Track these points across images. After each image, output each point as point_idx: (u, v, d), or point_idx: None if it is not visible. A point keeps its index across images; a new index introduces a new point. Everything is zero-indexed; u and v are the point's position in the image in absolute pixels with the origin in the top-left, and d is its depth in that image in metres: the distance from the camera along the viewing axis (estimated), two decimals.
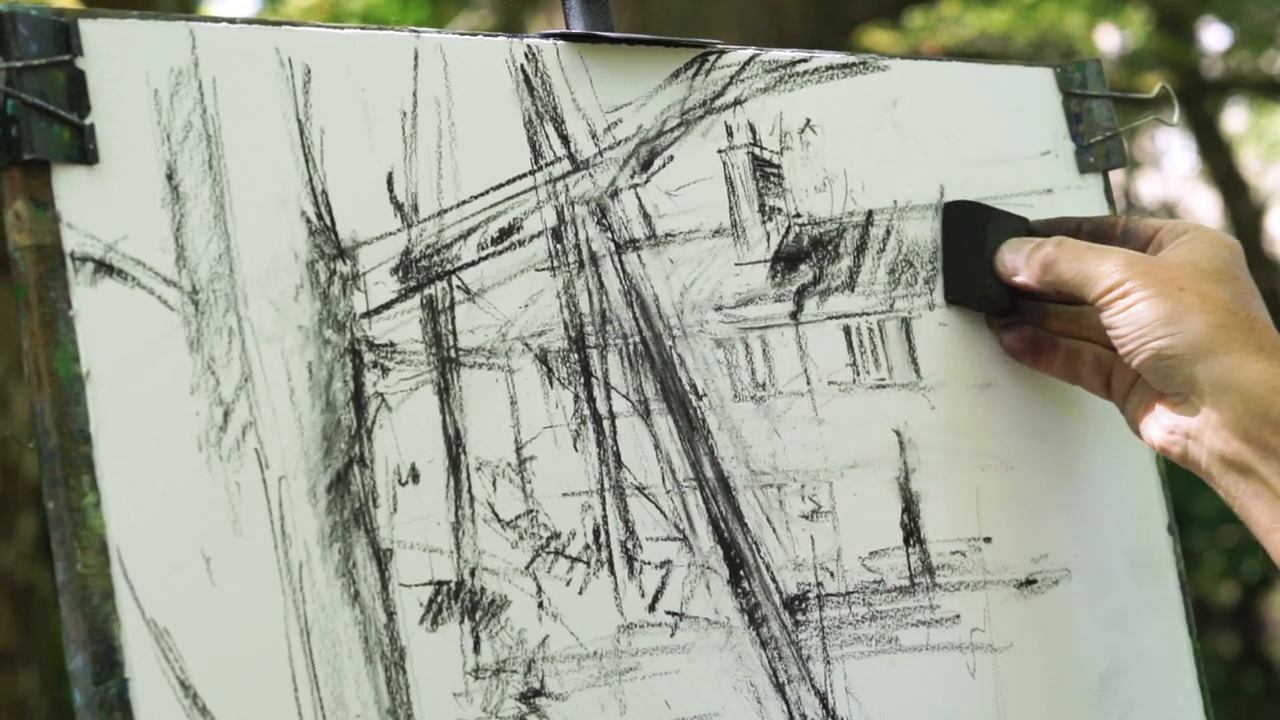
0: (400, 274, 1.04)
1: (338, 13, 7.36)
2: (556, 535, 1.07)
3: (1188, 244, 1.16)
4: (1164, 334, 1.11)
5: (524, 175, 1.11)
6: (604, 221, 1.13)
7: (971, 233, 1.26)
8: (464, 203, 1.08)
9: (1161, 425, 1.15)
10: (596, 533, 1.09)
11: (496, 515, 1.05)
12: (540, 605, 1.06)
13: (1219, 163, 9.18)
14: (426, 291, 1.05)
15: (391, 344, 1.03)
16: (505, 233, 1.09)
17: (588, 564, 1.08)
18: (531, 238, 1.10)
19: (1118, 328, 1.13)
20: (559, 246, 1.11)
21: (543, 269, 1.10)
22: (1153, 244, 1.20)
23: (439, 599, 1.02)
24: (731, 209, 1.19)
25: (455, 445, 1.04)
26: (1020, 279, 1.21)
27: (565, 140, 1.13)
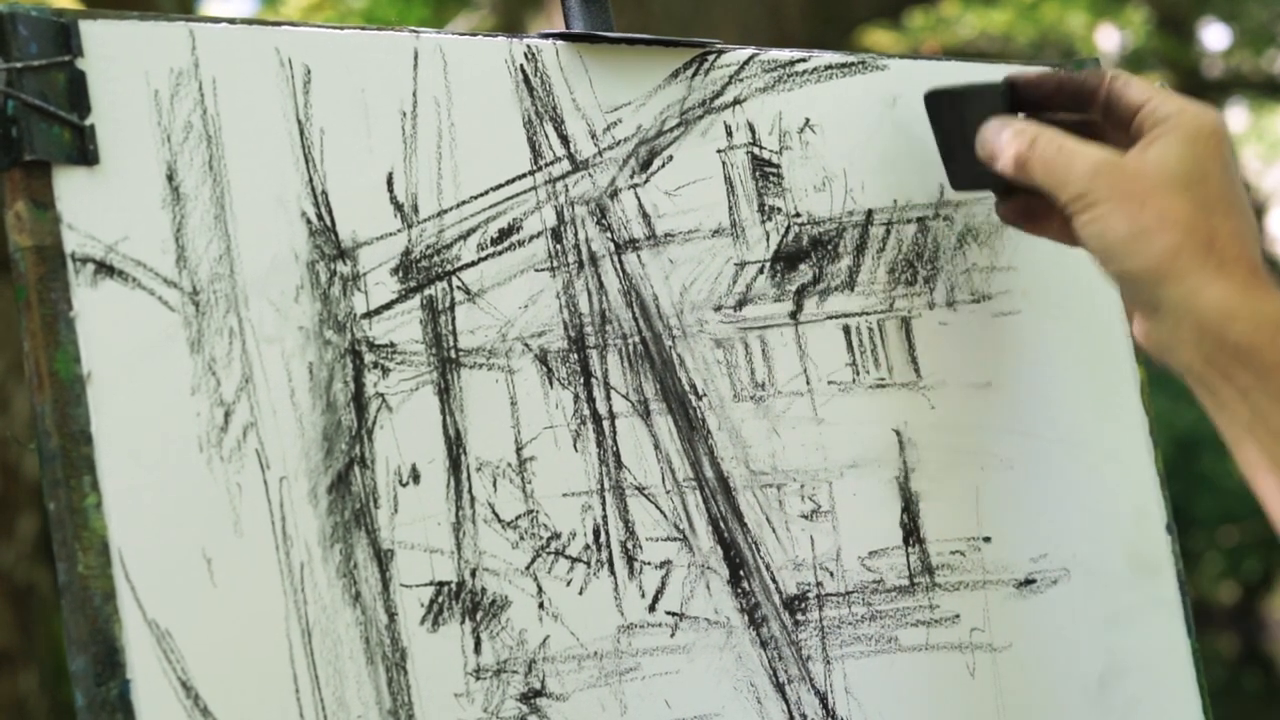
0: (400, 274, 1.04)
1: (341, 11, 7.36)
2: (557, 535, 1.07)
3: (1161, 141, 1.11)
4: (1124, 255, 1.09)
5: (524, 175, 1.10)
6: (604, 221, 1.13)
7: (953, 120, 1.22)
8: (464, 203, 1.08)
9: (1141, 329, 1.13)
10: (596, 533, 1.09)
11: (497, 516, 1.05)
12: (541, 606, 1.06)
13: None
14: (427, 292, 1.05)
15: (392, 344, 1.03)
16: (505, 233, 1.09)
17: (588, 564, 1.08)
18: (531, 238, 1.10)
19: (1085, 241, 1.12)
20: (559, 247, 1.11)
21: (542, 269, 1.10)
22: (1135, 124, 1.14)
23: (440, 599, 1.02)
24: (731, 209, 1.19)
25: (456, 446, 1.04)
26: (999, 166, 1.17)
27: (565, 140, 1.13)
